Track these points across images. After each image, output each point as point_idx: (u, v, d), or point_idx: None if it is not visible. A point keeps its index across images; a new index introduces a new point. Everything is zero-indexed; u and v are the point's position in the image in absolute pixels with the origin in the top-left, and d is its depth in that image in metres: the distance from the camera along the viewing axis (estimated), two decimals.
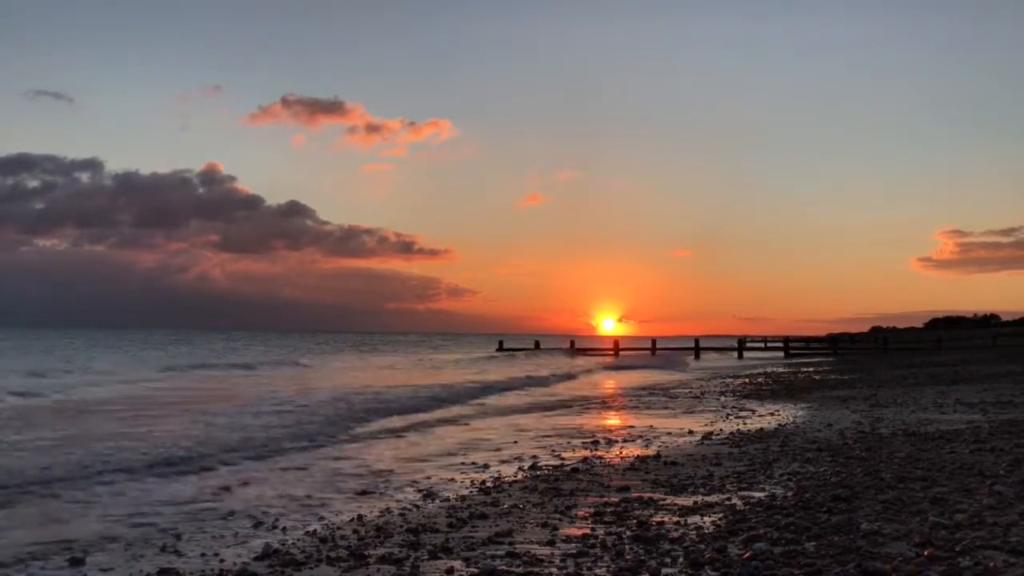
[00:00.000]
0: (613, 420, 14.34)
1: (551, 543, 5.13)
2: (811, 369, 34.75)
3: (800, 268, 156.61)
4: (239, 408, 15.05)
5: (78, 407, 15.22)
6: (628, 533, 5.29)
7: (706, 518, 5.71)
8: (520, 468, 8.57)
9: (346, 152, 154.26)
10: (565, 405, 17.98)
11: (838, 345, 65.52)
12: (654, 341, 60.98)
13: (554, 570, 4.53)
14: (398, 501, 6.89)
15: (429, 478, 8.07)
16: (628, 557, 4.70)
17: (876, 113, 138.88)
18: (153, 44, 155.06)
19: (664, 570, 4.44)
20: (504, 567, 4.60)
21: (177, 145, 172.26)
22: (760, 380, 26.30)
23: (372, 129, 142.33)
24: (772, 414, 14.20)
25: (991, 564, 4.14)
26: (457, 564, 4.69)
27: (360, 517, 6.17)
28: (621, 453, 9.61)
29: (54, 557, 5.18)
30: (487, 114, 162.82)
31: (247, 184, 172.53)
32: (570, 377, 30.53)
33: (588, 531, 5.41)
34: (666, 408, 16.24)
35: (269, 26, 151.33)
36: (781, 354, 60.85)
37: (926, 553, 4.40)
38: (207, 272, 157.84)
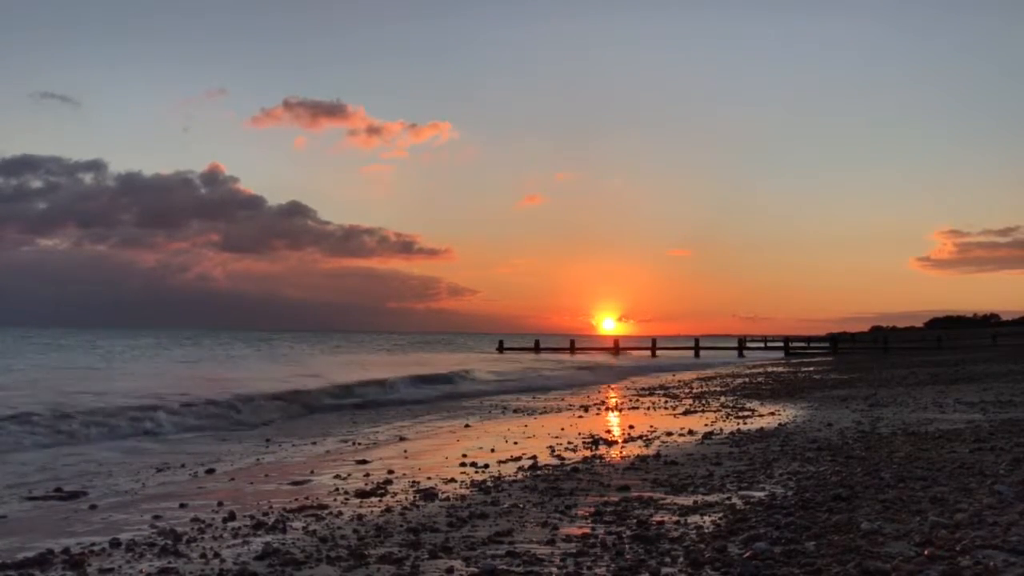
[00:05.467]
0: (613, 420, 14.34)
1: (551, 542, 5.13)
2: (811, 369, 34.75)
3: (800, 268, 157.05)
4: None
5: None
6: (628, 532, 5.29)
7: (706, 517, 5.71)
8: (520, 468, 8.56)
9: (347, 154, 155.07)
10: (565, 406, 17.98)
11: (838, 345, 65.52)
12: (654, 340, 61.05)
13: (554, 569, 4.52)
14: (398, 501, 6.89)
15: (430, 478, 8.07)
16: (628, 556, 4.70)
17: (875, 113, 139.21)
18: (157, 48, 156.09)
19: (664, 569, 4.44)
20: (504, 566, 4.59)
21: (180, 147, 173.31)
22: (760, 380, 26.30)
23: (373, 131, 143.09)
24: (772, 414, 14.20)
25: (991, 563, 4.14)
26: (457, 563, 4.69)
27: (360, 517, 6.17)
28: (621, 453, 9.61)
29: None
30: (487, 116, 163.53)
31: (249, 185, 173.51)
32: (569, 379, 30.56)
33: (588, 530, 5.41)
34: (666, 408, 16.24)
35: (272, 30, 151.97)
36: (781, 354, 60.91)
37: (926, 552, 4.39)
38: (208, 272, 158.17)
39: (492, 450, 10.19)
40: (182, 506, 6.85)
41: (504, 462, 9.05)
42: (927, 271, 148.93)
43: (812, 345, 70.36)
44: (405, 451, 10.48)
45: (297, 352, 54.51)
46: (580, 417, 14.77)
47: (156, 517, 6.39)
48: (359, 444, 11.49)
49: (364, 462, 9.38)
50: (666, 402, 17.74)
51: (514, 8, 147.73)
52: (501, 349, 62.09)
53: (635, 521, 5.63)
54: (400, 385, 23.04)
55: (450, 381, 25.71)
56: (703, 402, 17.33)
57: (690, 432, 11.53)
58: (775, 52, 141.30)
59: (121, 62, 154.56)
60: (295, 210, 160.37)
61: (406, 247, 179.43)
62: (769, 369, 35.82)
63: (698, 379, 28.59)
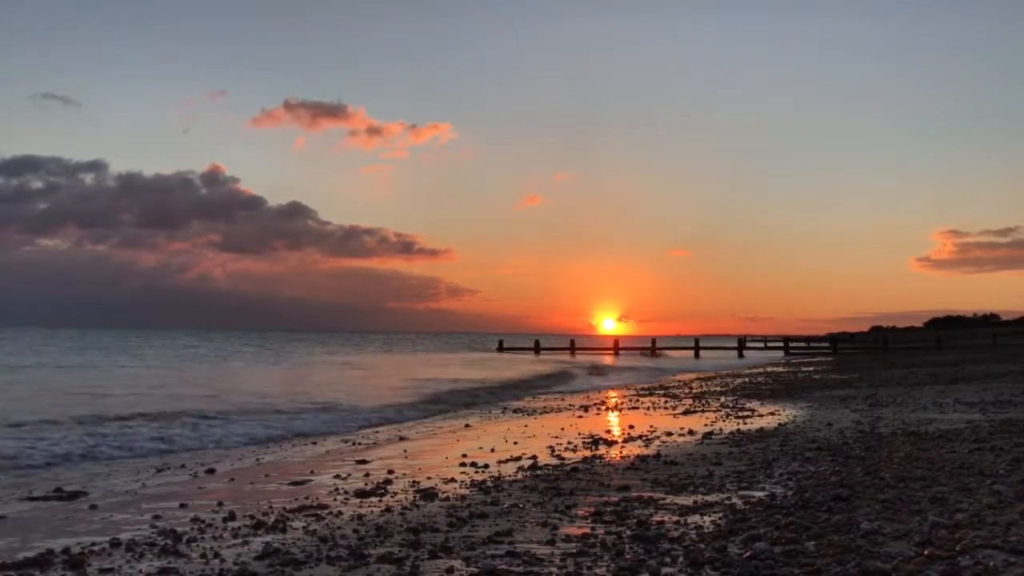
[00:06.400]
0: (613, 420, 14.34)
1: (551, 542, 5.13)
2: (811, 368, 34.75)
3: (800, 268, 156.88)
4: None
5: None
6: (628, 532, 5.29)
7: (706, 517, 5.71)
8: (520, 468, 8.56)
9: (347, 154, 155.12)
10: (565, 406, 17.98)
11: (838, 344, 65.51)
12: (654, 340, 61.06)
13: (554, 569, 4.52)
14: (398, 500, 6.89)
15: (430, 478, 8.07)
16: (628, 556, 4.70)
17: (874, 114, 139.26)
18: (158, 49, 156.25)
19: (664, 569, 4.44)
20: (504, 566, 4.59)
21: (180, 147, 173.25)
22: (760, 380, 26.30)
23: (373, 132, 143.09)
24: (772, 413, 14.20)
25: (991, 563, 4.13)
26: (457, 563, 4.69)
27: (360, 516, 6.17)
28: (621, 453, 9.61)
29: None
30: (487, 117, 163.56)
31: (249, 185, 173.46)
32: (570, 379, 30.59)
33: (588, 530, 5.41)
34: (666, 408, 16.23)
35: (273, 31, 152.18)
36: (781, 353, 60.90)
37: (926, 552, 4.39)
38: (208, 272, 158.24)
39: (492, 450, 10.19)
40: (182, 506, 6.85)
41: (504, 462, 9.05)
42: (927, 271, 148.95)
43: (812, 345, 70.34)
44: (405, 451, 10.48)
45: (320, 352, 55.41)
46: (580, 417, 14.77)
47: (156, 517, 6.39)
48: (359, 444, 11.49)
49: (364, 462, 9.38)
50: (666, 402, 17.73)
51: (514, 9, 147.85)
52: (501, 349, 62.13)
53: (635, 521, 5.63)
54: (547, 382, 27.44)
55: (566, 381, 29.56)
56: (703, 402, 17.32)
57: (690, 432, 11.53)
58: (775, 52, 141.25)
59: (122, 63, 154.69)
60: (295, 210, 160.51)
61: (406, 247, 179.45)
62: (769, 369, 35.83)
63: (698, 379, 28.60)
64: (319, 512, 6.41)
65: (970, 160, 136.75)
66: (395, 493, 7.26)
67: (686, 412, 15.01)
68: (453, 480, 7.90)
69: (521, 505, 6.40)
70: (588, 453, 9.63)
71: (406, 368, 36.10)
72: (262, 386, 22.13)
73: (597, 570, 4.47)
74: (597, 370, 36.82)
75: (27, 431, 11.95)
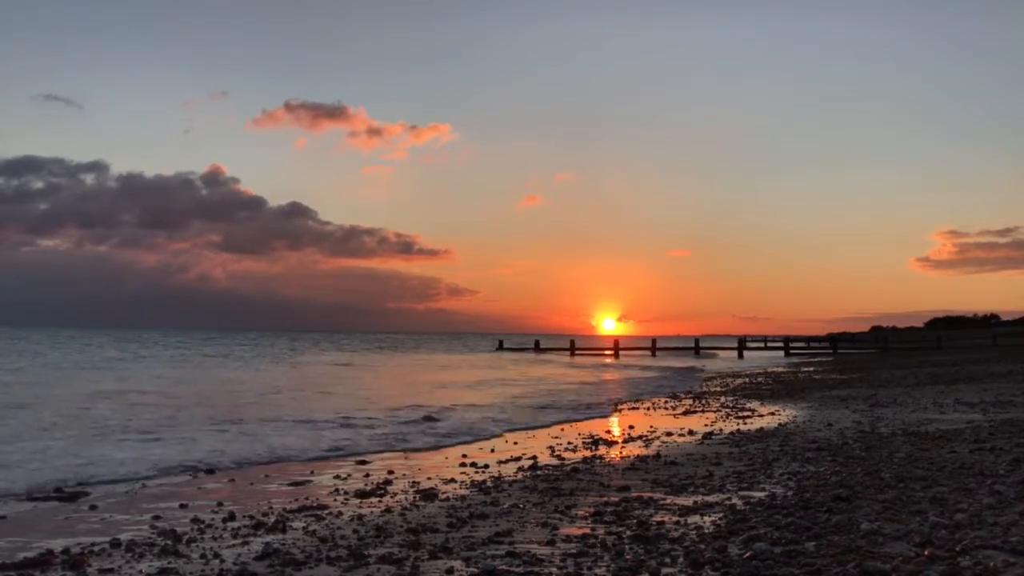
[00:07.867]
0: (613, 420, 14.34)
1: (551, 543, 5.13)
2: (811, 369, 34.73)
3: (800, 268, 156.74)
4: None
5: None
6: (628, 533, 5.29)
7: (706, 518, 5.71)
8: (520, 468, 8.56)
9: (348, 155, 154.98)
10: (566, 406, 17.97)
11: (838, 345, 65.48)
12: (654, 341, 60.99)
13: (554, 570, 4.52)
14: (398, 501, 6.89)
15: (430, 479, 8.07)
16: (628, 557, 4.70)
17: (874, 114, 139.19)
18: (159, 51, 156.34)
19: (664, 570, 4.44)
20: (504, 567, 4.60)
21: (181, 148, 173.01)
22: (760, 380, 26.30)
23: (373, 132, 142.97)
24: (772, 414, 14.20)
25: (991, 564, 4.13)
26: (457, 564, 4.69)
27: (360, 517, 6.17)
28: (621, 453, 9.61)
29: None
30: (486, 118, 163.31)
31: (250, 186, 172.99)
32: (568, 379, 30.56)
33: (588, 531, 5.41)
34: (666, 408, 16.24)
35: (273, 33, 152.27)
36: (781, 354, 60.82)
37: (926, 553, 4.39)
38: (208, 272, 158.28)
39: (492, 450, 10.19)
40: (182, 506, 6.85)
41: (504, 462, 9.05)
42: (927, 271, 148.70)
43: (812, 345, 70.27)
44: (405, 451, 10.48)
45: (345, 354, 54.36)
46: (580, 418, 14.76)
47: (156, 517, 6.39)
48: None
49: (364, 462, 9.38)
50: (666, 402, 17.74)
51: (513, 10, 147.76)
52: (501, 349, 62.22)
53: (635, 521, 5.63)
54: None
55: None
56: (703, 402, 17.33)
57: (690, 432, 11.53)
58: (775, 52, 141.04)
59: (123, 64, 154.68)
60: (295, 211, 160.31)
61: (406, 247, 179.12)
62: (769, 369, 35.82)
63: (698, 379, 28.60)
64: (319, 512, 6.41)
65: (970, 160, 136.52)
66: (395, 493, 7.26)
67: (686, 412, 15.01)
68: (453, 480, 7.90)
69: (521, 505, 6.40)
70: (588, 453, 9.63)
71: (503, 369, 35.08)
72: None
73: (597, 570, 4.47)
74: (688, 372, 36.07)
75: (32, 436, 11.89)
